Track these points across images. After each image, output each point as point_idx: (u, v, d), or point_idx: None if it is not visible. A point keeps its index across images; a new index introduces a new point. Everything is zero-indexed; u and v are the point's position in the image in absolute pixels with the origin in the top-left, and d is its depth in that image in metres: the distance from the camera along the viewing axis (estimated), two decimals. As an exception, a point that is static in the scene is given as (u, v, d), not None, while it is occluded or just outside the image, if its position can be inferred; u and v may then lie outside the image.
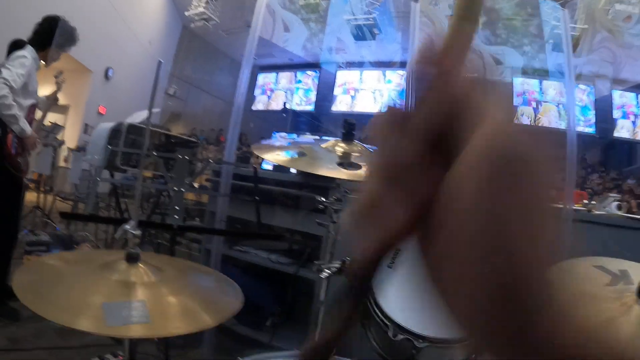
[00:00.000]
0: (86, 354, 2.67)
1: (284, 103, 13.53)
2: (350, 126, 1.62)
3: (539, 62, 12.74)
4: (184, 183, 2.23)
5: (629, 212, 4.56)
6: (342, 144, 1.61)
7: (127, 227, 1.43)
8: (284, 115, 12.61)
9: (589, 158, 15.57)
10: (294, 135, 4.43)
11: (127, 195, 5.49)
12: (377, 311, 1.35)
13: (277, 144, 1.81)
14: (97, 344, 2.74)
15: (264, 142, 1.81)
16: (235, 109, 2.97)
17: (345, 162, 1.48)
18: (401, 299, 1.38)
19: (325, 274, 1.60)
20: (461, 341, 1.29)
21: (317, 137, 1.84)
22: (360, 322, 1.52)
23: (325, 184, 2.48)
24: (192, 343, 3.04)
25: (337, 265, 1.61)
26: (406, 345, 1.29)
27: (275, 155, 1.60)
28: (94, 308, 1.08)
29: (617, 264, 1.37)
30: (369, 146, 1.66)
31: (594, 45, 11.72)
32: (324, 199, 1.65)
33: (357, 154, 1.57)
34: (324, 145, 1.64)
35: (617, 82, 13.81)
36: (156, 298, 1.23)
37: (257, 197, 2.22)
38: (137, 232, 1.40)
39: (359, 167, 1.45)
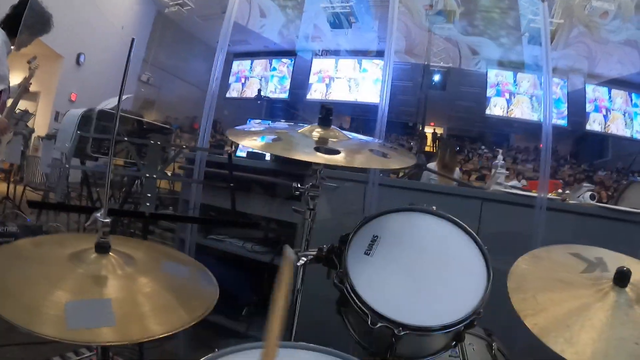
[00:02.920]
0: (61, 349, 2.61)
1: (259, 90, 13.35)
2: (328, 111, 1.59)
3: (515, 54, 12.85)
4: (156, 170, 2.17)
5: (599, 202, 4.62)
6: (319, 129, 1.58)
7: (98, 215, 1.38)
8: (258, 102, 12.47)
9: (561, 150, 15.84)
10: (269, 122, 4.37)
11: (99, 184, 5.38)
12: (355, 299, 1.33)
13: (252, 129, 1.77)
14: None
15: (239, 127, 1.77)
16: (209, 96, 2.91)
17: (322, 146, 1.45)
18: (379, 287, 1.36)
19: (301, 261, 1.58)
20: (441, 329, 1.29)
21: (292, 124, 1.80)
22: (338, 310, 1.50)
23: (301, 171, 2.46)
24: (167, 335, 2.98)
25: (313, 253, 1.58)
26: (385, 333, 1.27)
27: (250, 141, 1.55)
28: (57, 308, 1.03)
29: (592, 252, 1.38)
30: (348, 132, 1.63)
31: (570, 40, 11.88)
32: (299, 185, 1.62)
33: (334, 139, 1.54)
34: (300, 130, 1.61)
35: (592, 76, 14.04)
36: (127, 295, 1.19)
37: (232, 184, 2.17)
38: (107, 220, 1.35)
39: (336, 152, 1.42)
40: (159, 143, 2.20)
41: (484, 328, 1.77)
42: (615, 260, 1.31)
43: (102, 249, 1.27)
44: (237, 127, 1.72)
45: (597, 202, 2.66)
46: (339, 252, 1.46)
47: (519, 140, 15.77)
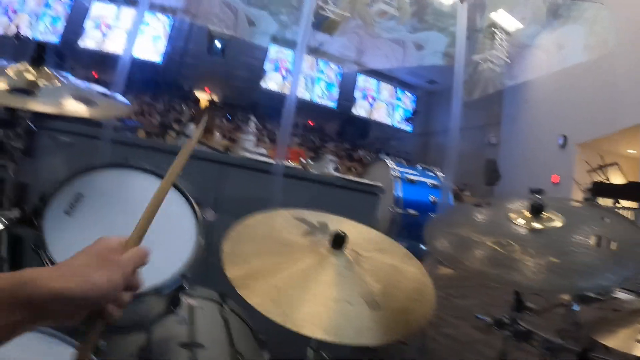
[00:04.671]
0: None
1: (17, 28, 11.53)
2: (41, 49, 1.35)
3: (291, 34, 13.28)
4: None
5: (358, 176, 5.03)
6: (31, 70, 1.33)
7: None
8: (16, 42, 10.74)
9: (328, 129, 17.29)
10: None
11: None
12: (51, 265, 1.15)
13: None
14: None
15: None
16: None
17: (18, 87, 1.21)
18: (78, 249, 1.19)
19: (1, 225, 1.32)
20: (153, 292, 1.18)
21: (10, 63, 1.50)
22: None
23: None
24: None
25: (16, 215, 1.33)
26: (89, 302, 1.12)
27: None
28: None
29: (318, 217, 1.40)
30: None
31: (346, 29, 12.74)
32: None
33: (46, 83, 1.31)
34: (7, 68, 1.33)
35: (358, 64, 15.51)
36: None
37: None
38: None
39: (31, 93, 1.20)
40: None
41: (219, 292, 1.73)
42: (338, 224, 1.34)
43: None
44: None
45: (356, 175, 2.83)
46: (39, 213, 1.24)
47: (289, 115, 16.59)
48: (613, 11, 9.56)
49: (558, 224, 1.30)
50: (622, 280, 1.11)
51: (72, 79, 1.41)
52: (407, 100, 17.45)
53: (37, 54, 1.34)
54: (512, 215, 1.34)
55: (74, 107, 1.24)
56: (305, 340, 1.20)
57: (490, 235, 1.25)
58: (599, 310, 1.43)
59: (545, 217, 1.32)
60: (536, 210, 1.32)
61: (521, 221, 1.31)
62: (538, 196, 1.34)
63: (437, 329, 4.02)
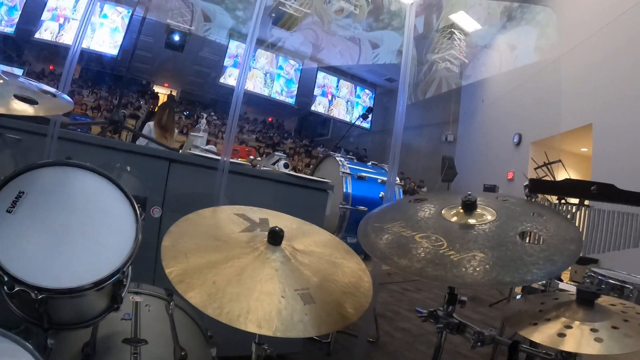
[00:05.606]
0: None
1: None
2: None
3: (246, 29, 13.27)
4: None
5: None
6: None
7: None
8: None
9: (287, 125, 17.42)
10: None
11: None
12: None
13: None
14: None
15: None
16: None
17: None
18: (20, 248, 1.19)
19: None
20: (90, 288, 1.18)
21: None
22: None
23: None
24: None
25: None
26: (27, 298, 1.13)
27: None
28: None
29: (259, 213, 1.43)
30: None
31: (302, 25, 12.78)
32: None
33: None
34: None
35: (315, 60, 15.63)
36: None
37: None
38: None
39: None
40: None
41: (166, 288, 1.73)
42: (279, 221, 1.38)
43: None
44: None
45: (311, 173, 2.84)
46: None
47: (250, 112, 16.58)
48: (561, 16, 9.85)
49: (490, 220, 1.32)
50: (548, 275, 1.12)
51: (21, 77, 1.40)
52: (366, 98, 17.66)
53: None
54: (444, 211, 1.39)
55: (16, 106, 1.23)
56: (254, 337, 1.23)
57: (420, 231, 1.30)
58: (525, 303, 1.47)
59: (478, 213, 1.36)
60: (468, 207, 1.37)
61: (454, 217, 1.36)
62: (470, 193, 1.39)
63: (393, 323, 4.10)
